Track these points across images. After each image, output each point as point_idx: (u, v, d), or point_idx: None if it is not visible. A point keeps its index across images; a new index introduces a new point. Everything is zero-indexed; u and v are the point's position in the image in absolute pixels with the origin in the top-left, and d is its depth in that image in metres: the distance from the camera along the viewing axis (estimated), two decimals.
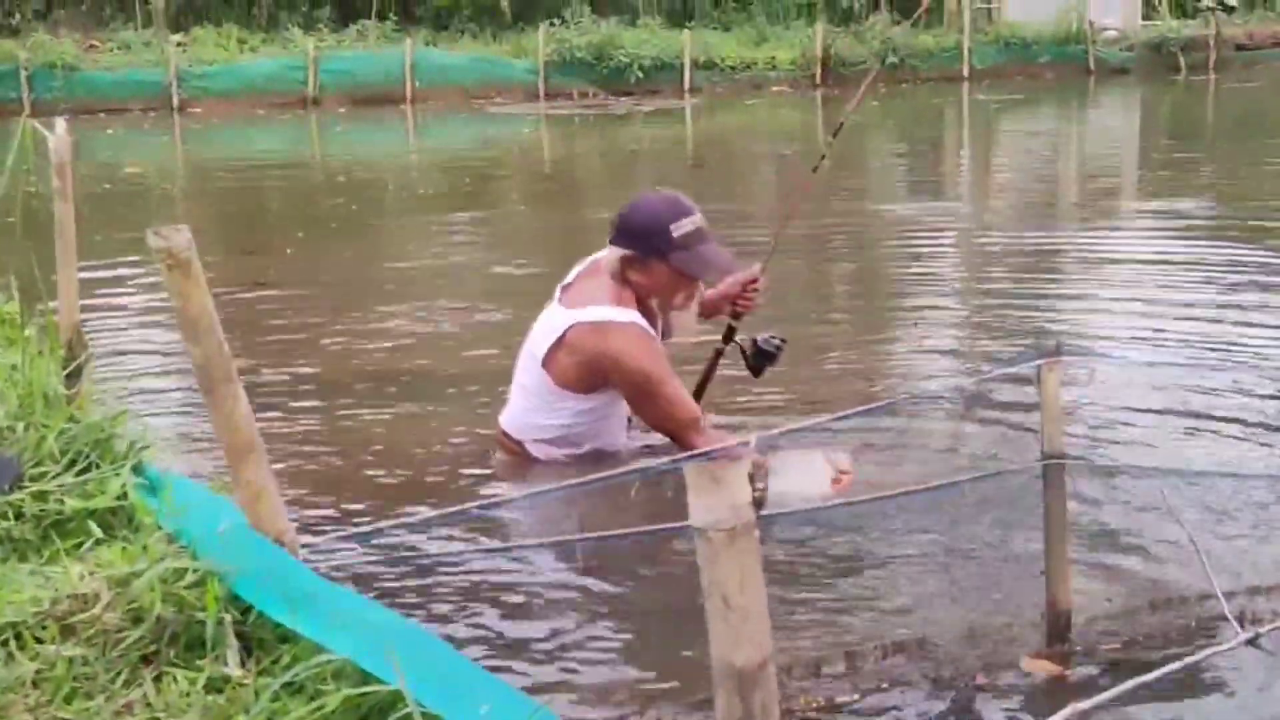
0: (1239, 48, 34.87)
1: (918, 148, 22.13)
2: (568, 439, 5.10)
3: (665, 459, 4.51)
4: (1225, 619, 3.63)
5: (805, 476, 4.34)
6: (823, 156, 5.62)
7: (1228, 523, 4.44)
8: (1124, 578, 4.14)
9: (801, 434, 4.42)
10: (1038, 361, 3.65)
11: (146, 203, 16.80)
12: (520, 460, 5.18)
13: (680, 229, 4.89)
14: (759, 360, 5.35)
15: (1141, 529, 4.39)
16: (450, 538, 4.23)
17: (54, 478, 3.55)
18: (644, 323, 4.93)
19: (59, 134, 4.67)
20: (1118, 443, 5.41)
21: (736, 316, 5.19)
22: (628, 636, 3.93)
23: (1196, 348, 7.06)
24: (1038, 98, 30.05)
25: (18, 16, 34.74)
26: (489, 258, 11.49)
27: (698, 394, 5.21)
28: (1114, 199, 14.80)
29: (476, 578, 4.10)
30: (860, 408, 4.67)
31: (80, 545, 3.27)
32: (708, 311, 5.25)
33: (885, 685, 3.52)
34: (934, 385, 6.51)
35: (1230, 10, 36.65)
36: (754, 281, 5.24)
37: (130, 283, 9.70)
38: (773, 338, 5.31)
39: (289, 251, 11.80)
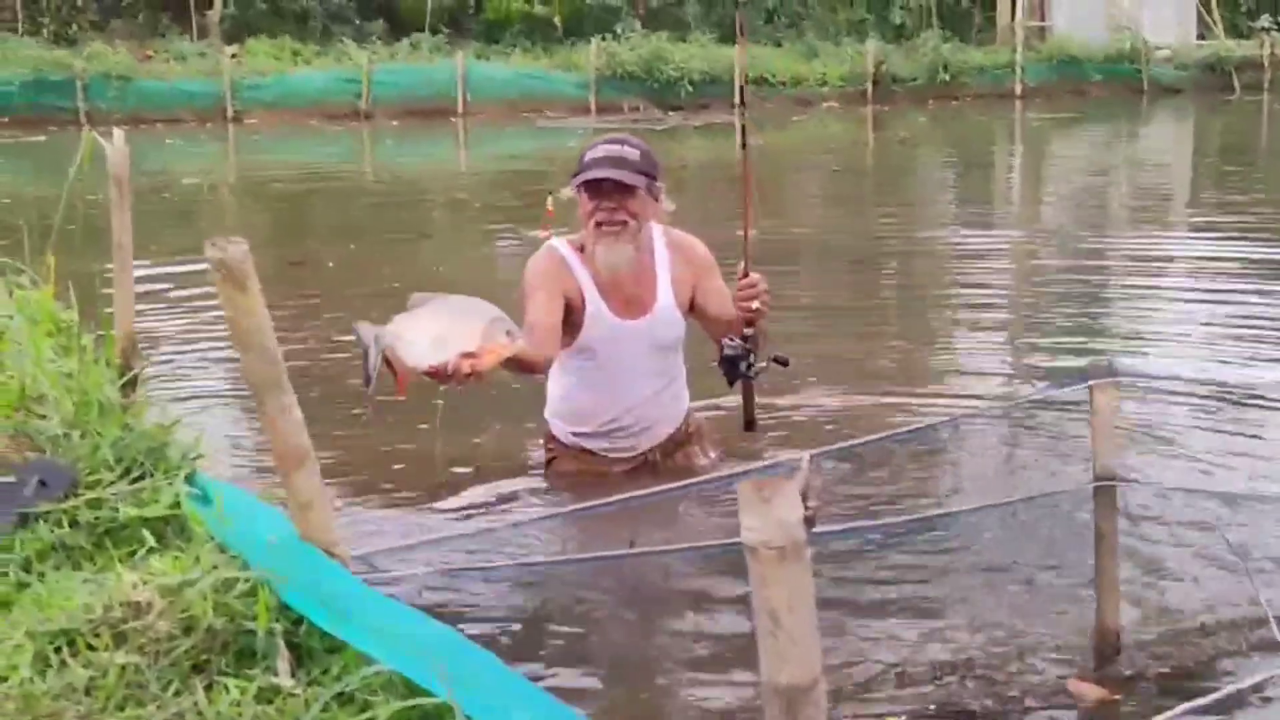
0: None
1: (968, 165, 22.05)
2: (558, 412, 5.21)
3: (711, 476, 4.50)
4: (1277, 643, 3.60)
5: (438, 341, 4.06)
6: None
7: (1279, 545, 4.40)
8: (1174, 600, 4.11)
9: (840, 452, 4.40)
10: (1090, 382, 3.64)
11: (201, 212, 16.94)
12: (568, 463, 5.23)
13: (591, 153, 4.93)
14: (725, 367, 4.98)
15: (1192, 551, 4.36)
16: (499, 550, 4.24)
17: (108, 486, 3.57)
18: (560, 246, 5.03)
19: (117, 145, 4.70)
20: (1169, 463, 5.38)
21: (749, 324, 4.90)
22: (677, 652, 3.93)
23: (1251, 368, 7.00)
24: (1090, 116, 29.90)
25: (74, 27, 35.04)
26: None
27: (747, 408, 5.07)
28: (1167, 218, 14.72)
29: (526, 590, 4.11)
30: (913, 426, 4.66)
31: (133, 553, 3.28)
32: (737, 328, 4.99)
33: (934, 707, 3.52)
34: (986, 404, 6.48)
35: None
36: (745, 284, 4.88)
37: (185, 290, 9.76)
38: (732, 339, 4.92)
39: (335, 264, 11.83)
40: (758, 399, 5.15)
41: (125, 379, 4.50)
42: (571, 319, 4.97)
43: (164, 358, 7.46)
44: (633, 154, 4.91)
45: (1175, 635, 3.85)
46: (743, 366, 4.87)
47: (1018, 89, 33.38)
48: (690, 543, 4.01)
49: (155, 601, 2.95)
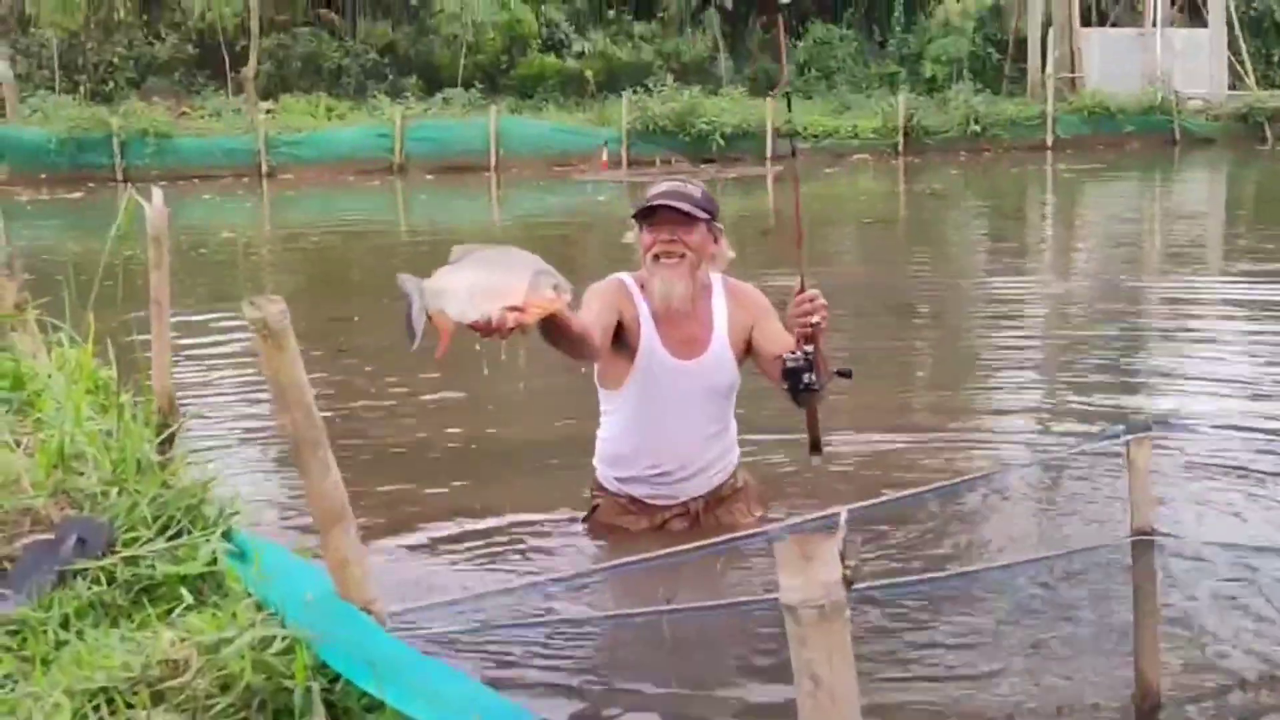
0: None
1: (1000, 216, 22.04)
2: (604, 455, 5.20)
3: (749, 532, 4.48)
4: None
5: (483, 293, 3.99)
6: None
7: None
8: (1214, 655, 4.09)
9: (875, 508, 4.38)
10: (1127, 437, 3.62)
11: (238, 267, 17.05)
12: (610, 512, 5.21)
13: (653, 189, 4.99)
14: (788, 380, 4.77)
15: (1231, 606, 4.33)
16: (536, 606, 4.23)
17: (145, 543, 3.58)
18: (625, 276, 5.05)
19: (156, 205, 4.75)
20: (1208, 516, 5.34)
21: (809, 340, 4.71)
22: (714, 713, 3.91)
23: None
24: (1122, 168, 29.84)
25: (111, 84, 35.42)
26: None
27: (811, 430, 4.92)
28: (1201, 273, 14.61)
29: (562, 647, 4.10)
30: (951, 480, 4.63)
31: (171, 611, 3.29)
32: (798, 345, 4.80)
33: None
34: (1024, 458, 6.46)
35: None
36: (802, 299, 4.71)
37: (222, 346, 9.82)
38: (794, 352, 4.75)
39: (369, 318, 11.85)
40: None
41: (163, 436, 4.53)
42: (625, 348, 4.98)
43: (201, 413, 7.49)
44: (694, 191, 4.97)
45: (1215, 691, 3.83)
46: (806, 379, 4.69)
47: (1049, 141, 33.37)
48: (727, 599, 3.99)
49: (193, 659, 2.96)
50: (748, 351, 5.09)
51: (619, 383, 5.05)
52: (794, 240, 4.88)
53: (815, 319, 4.64)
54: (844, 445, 6.39)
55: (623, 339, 4.98)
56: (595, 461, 5.27)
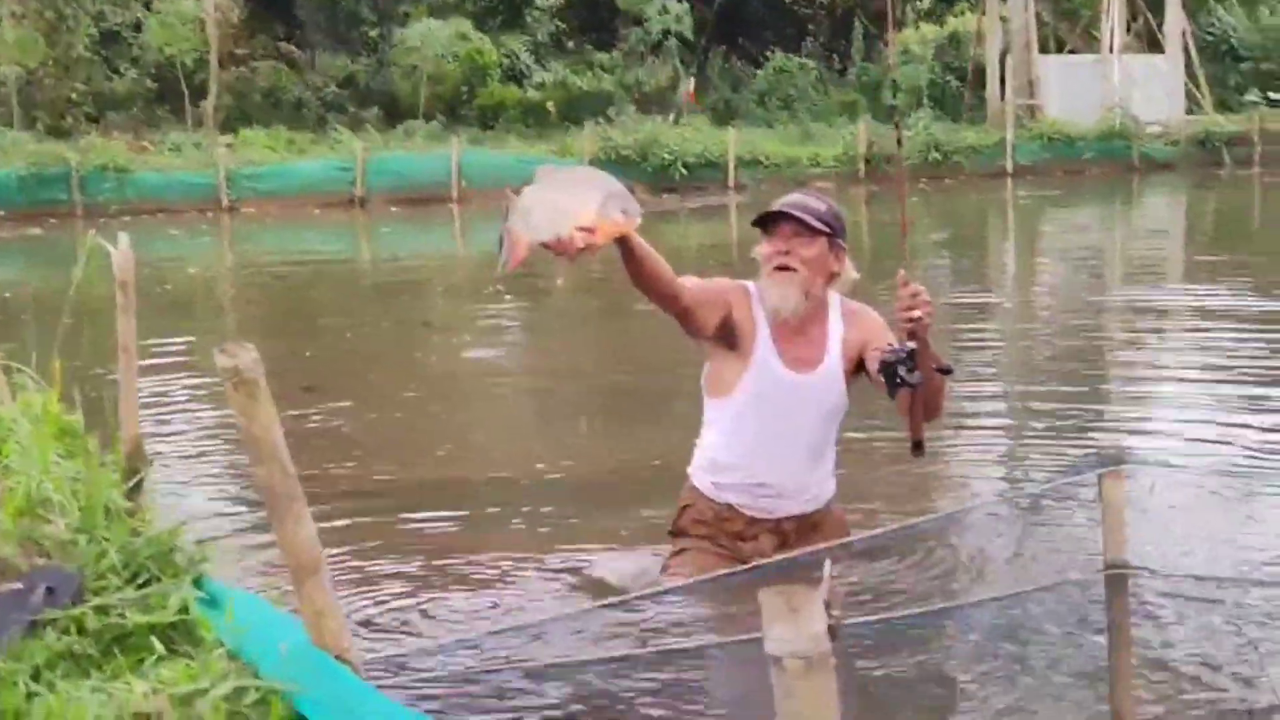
0: None
1: (961, 242, 22.15)
2: (703, 463, 5.12)
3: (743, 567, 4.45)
4: None
5: (557, 213, 4.17)
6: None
7: None
8: (1188, 688, 4.08)
9: (847, 546, 4.37)
10: (1100, 470, 3.63)
11: (200, 304, 16.97)
12: (699, 511, 5.10)
13: (778, 201, 4.97)
14: (883, 373, 4.62)
15: (1205, 640, 4.33)
16: (519, 650, 4.20)
17: (115, 592, 3.55)
18: (750, 283, 4.97)
19: (122, 249, 4.71)
20: (1181, 549, 5.34)
21: (911, 336, 4.56)
22: None
23: (1258, 454, 7.00)
24: (1082, 193, 30.05)
25: (69, 119, 35.28)
26: (537, 362, 11.54)
27: (914, 428, 4.76)
28: (1164, 299, 14.68)
29: (544, 693, 4.07)
30: (920, 519, 4.63)
31: (142, 661, 3.26)
32: (900, 338, 4.70)
33: None
34: (995, 494, 6.46)
35: (1274, 104, 36.70)
36: (906, 293, 4.58)
37: (188, 385, 9.76)
38: (892, 345, 4.63)
39: (334, 354, 11.81)
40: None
41: (132, 482, 4.49)
42: (738, 353, 4.92)
43: (170, 458, 7.42)
44: (818, 205, 4.93)
45: None
46: (901, 371, 4.51)
47: (1009, 168, 33.57)
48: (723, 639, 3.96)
49: (166, 711, 2.93)
50: (858, 371, 4.99)
51: (729, 389, 4.97)
52: (902, 218, 4.97)
53: (917, 313, 4.53)
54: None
55: (736, 343, 4.92)
56: (691, 470, 5.16)
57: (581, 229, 4.13)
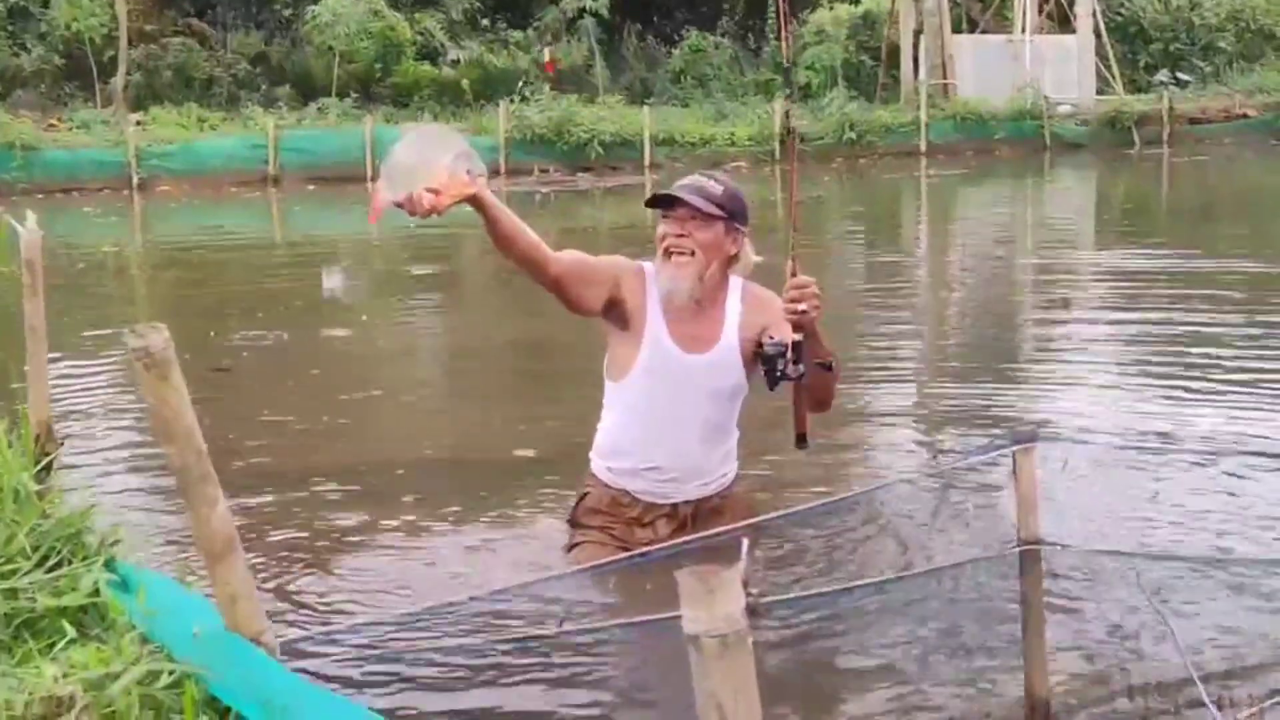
0: (1192, 121, 35.27)
1: (876, 220, 22.28)
2: (600, 447, 5.13)
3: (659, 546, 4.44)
4: (1203, 704, 3.62)
5: (408, 173, 4.34)
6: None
7: (1204, 606, 4.44)
8: (1102, 664, 4.14)
9: (763, 524, 4.37)
10: (1013, 447, 3.65)
11: (109, 283, 16.74)
12: (595, 499, 5.11)
13: (676, 182, 4.95)
14: (763, 365, 4.67)
15: (1118, 614, 4.39)
16: (432, 630, 4.19)
17: (24, 574, 3.50)
18: (646, 264, 4.95)
19: (30, 228, 4.64)
20: (1093, 527, 5.39)
21: (798, 328, 4.52)
22: None
23: (1174, 416, 7.10)
24: (994, 172, 30.32)
25: None
26: (452, 341, 11.49)
27: (797, 421, 4.77)
28: (1074, 274, 14.84)
29: (461, 673, 4.06)
30: (832, 498, 4.64)
31: (53, 645, 3.22)
32: (787, 332, 4.65)
33: None
34: (907, 472, 6.49)
35: (1183, 85, 37.17)
36: (795, 284, 4.50)
37: (99, 366, 9.63)
38: (772, 338, 4.63)
39: (246, 334, 11.68)
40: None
41: (41, 464, 4.43)
42: (633, 336, 4.89)
43: (82, 440, 7.30)
44: (715, 188, 4.86)
45: (1104, 699, 3.88)
46: (780, 365, 4.54)
47: (922, 147, 33.79)
48: (630, 618, 3.95)
49: (78, 696, 2.89)
50: (757, 357, 4.86)
51: (624, 372, 4.95)
52: (792, 207, 5.01)
53: (802, 306, 4.46)
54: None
55: (628, 323, 4.89)
56: (592, 454, 5.15)
57: (429, 189, 4.28)
